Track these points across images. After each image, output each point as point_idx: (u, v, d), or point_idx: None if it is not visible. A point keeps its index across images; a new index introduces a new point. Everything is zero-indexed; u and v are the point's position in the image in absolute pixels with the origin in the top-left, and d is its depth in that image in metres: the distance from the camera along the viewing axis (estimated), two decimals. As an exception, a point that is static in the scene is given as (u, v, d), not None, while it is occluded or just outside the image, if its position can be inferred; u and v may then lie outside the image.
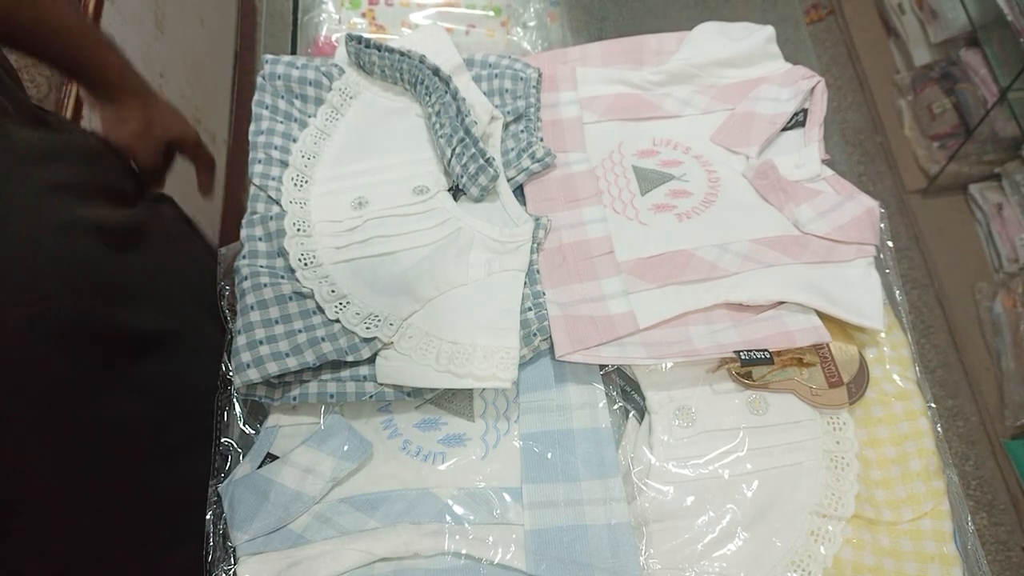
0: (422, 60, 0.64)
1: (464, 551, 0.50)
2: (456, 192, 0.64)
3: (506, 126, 0.66)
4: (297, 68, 0.66)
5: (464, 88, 0.65)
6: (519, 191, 0.65)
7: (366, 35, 0.68)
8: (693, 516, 0.52)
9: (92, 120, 1.04)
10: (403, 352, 0.54)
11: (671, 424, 0.55)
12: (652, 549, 0.50)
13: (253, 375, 0.51)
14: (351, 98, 0.67)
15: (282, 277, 0.57)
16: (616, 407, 0.57)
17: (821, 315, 0.57)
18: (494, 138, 0.65)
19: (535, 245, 0.60)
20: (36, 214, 0.50)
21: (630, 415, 0.57)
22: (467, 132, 0.60)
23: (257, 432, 0.55)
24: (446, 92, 0.63)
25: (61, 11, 0.62)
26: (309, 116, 0.66)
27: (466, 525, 0.51)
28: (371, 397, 0.54)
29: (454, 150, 0.61)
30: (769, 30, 0.72)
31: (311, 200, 0.62)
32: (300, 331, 0.54)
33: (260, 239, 0.59)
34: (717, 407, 0.55)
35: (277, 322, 0.54)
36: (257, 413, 0.57)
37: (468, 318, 0.56)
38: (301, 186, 0.62)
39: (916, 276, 1.66)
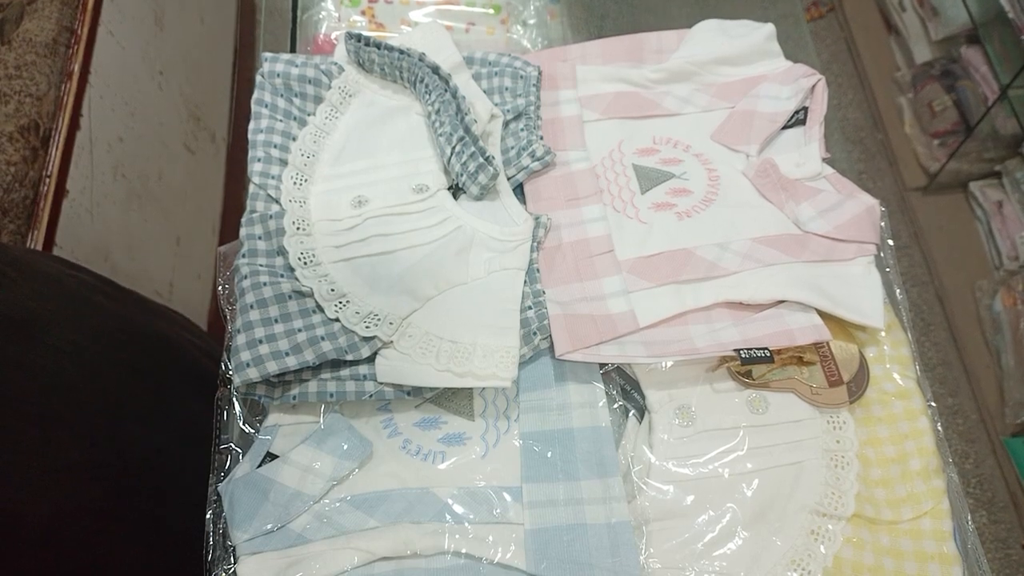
0: (422, 58, 0.64)
1: (464, 550, 0.49)
2: (456, 191, 0.63)
3: (506, 124, 0.66)
4: (297, 66, 0.66)
5: (464, 86, 0.65)
6: (519, 189, 0.65)
7: (366, 33, 0.67)
8: (693, 515, 0.52)
9: (91, 115, 1.04)
10: (403, 351, 0.54)
11: (671, 423, 0.54)
12: (652, 548, 0.50)
13: (252, 374, 0.51)
14: (351, 96, 0.67)
15: (281, 276, 0.57)
16: (616, 406, 0.57)
17: (821, 314, 0.57)
18: (494, 136, 0.65)
19: (535, 244, 0.60)
20: None
21: (630, 414, 0.57)
22: (467, 130, 0.60)
23: (257, 431, 0.55)
24: (446, 90, 0.62)
25: None
26: (309, 114, 0.66)
27: (466, 524, 0.51)
28: (371, 396, 0.54)
29: (454, 148, 0.61)
30: (769, 28, 0.72)
31: (311, 198, 0.62)
32: (299, 330, 0.54)
33: (259, 238, 0.59)
34: (717, 406, 0.55)
35: (276, 321, 0.54)
36: (257, 412, 0.57)
37: (468, 317, 0.56)
38: (301, 184, 0.62)
39: (916, 274, 1.66)
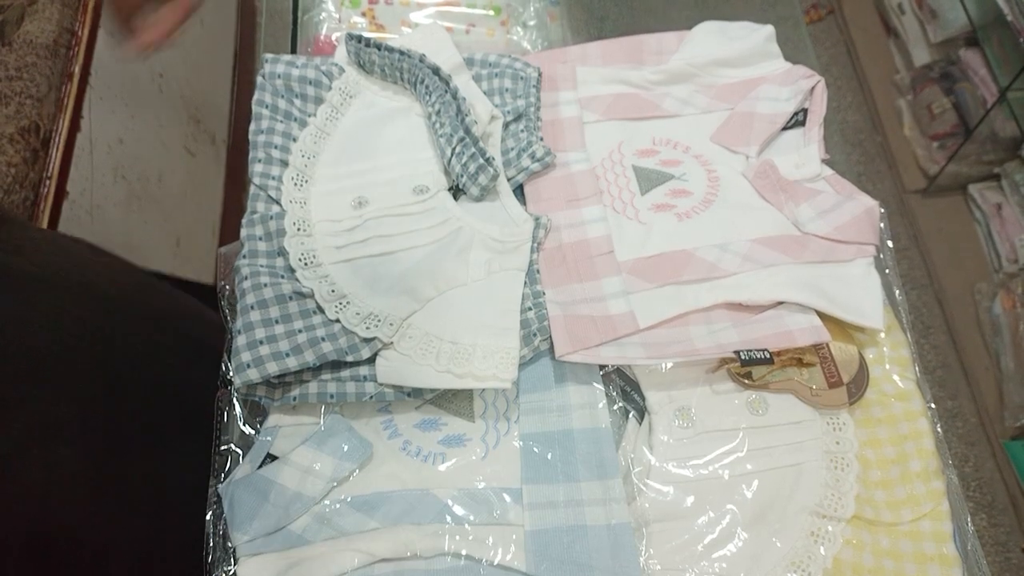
0: (422, 59, 0.64)
1: (464, 552, 0.49)
2: (456, 192, 0.63)
3: (506, 125, 0.66)
4: (297, 67, 0.66)
5: (464, 87, 0.65)
6: (519, 191, 0.65)
7: (366, 34, 0.67)
8: (693, 516, 0.52)
9: (91, 117, 1.04)
10: (403, 352, 0.54)
11: (671, 424, 0.54)
12: (652, 549, 0.50)
13: (253, 375, 0.51)
14: (351, 97, 0.67)
15: (282, 277, 0.57)
16: (616, 407, 0.57)
17: (821, 315, 0.57)
18: (494, 137, 0.65)
19: (535, 244, 0.60)
20: None
21: (630, 415, 0.57)
22: (467, 131, 0.60)
23: (257, 432, 0.55)
24: (446, 91, 0.63)
25: None
26: (309, 115, 0.66)
27: (466, 526, 0.51)
28: (371, 397, 0.54)
29: (454, 149, 0.61)
30: (769, 29, 0.72)
31: (311, 199, 0.62)
32: (300, 331, 0.54)
33: (260, 239, 0.59)
34: (717, 407, 0.55)
35: (277, 322, 0.54)
36: (257, 413, 0.57)
37: (468, 318, 0.56)
38: (301, 185, 0.62)
39: (916, 276, 1.66)
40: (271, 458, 0.54)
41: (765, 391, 0.56)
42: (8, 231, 0.57)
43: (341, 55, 0.69)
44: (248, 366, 0.51)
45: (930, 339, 1.61)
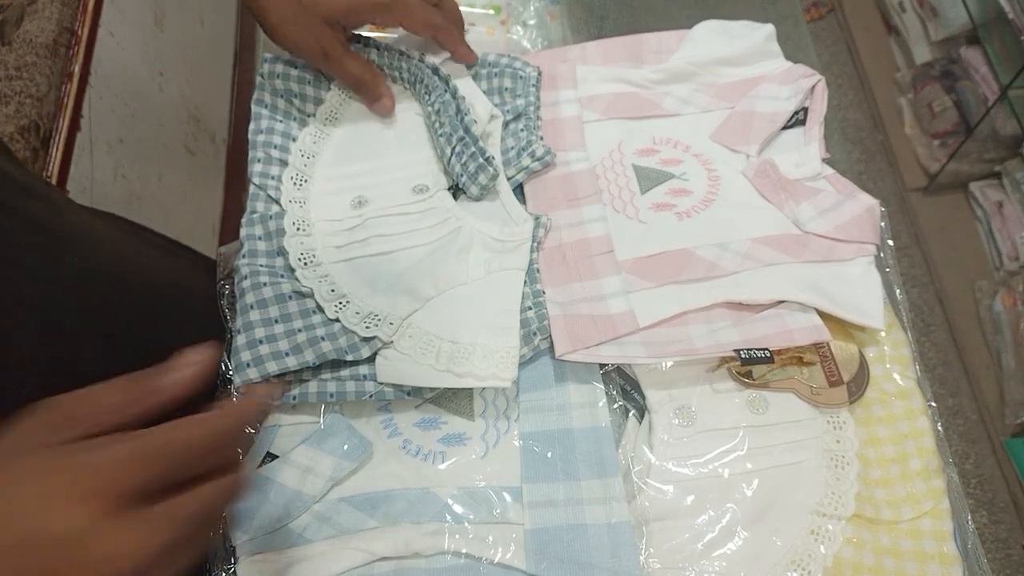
0: (421, 58, 0.64)
1: (464, 550, 0.49)
2: (456, 191, 0.63)
3: (506, 125, 0.66)
4: (297, 67, 0.66)
5: (463, 87, 0.65)
6: (519, 190, 0.65)
7: (365, 34, 0.67)
8: (693, 515, 0.52)
9: (91, 116, 1.04)
10: (403, 351, 0.54)
11: (671, 423, 0.54)
12: (652, 548, 0.50)
13: (253, 374, 0.51)
14: (350, 97, 0.67)
15: (282, 276, 0.57)
16: (616, 406, 0.57)
17: (821, 314, 0.57)
18: (494, 137, 0.65)
19: (535, 244, 0.60)
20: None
21: (630, 414, 0.57)
22: (467, 131, 0.60)
23: (257, 432, 0.55)
24: (445, 91, 0.63)
25: None
26: (308, 115, 0.66)
27: (466, 524, 0.51)
28: (371, 396, 0.54)
29: (454, 149, 0.61)
30: (769, 28, 0.72)
31: (311, 199, 0.62)
32: (300, 330, 0.54)
33: (260, 238, 0.59)
34: (717, 406, 0.55)
35: (276, 321, 0.54)
36: (257, 412, 0.57)
37: (468, 317, 0.56)
38: (300, 185, 0.62)
39: (916, 274, 1.66)
40: (271, 457, 0.54)
41: (765, 390, 0.56)
42: (60, 214, 0.56)
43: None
44: (248, 365, 0.51)
45: (931, 337, 1.61)
